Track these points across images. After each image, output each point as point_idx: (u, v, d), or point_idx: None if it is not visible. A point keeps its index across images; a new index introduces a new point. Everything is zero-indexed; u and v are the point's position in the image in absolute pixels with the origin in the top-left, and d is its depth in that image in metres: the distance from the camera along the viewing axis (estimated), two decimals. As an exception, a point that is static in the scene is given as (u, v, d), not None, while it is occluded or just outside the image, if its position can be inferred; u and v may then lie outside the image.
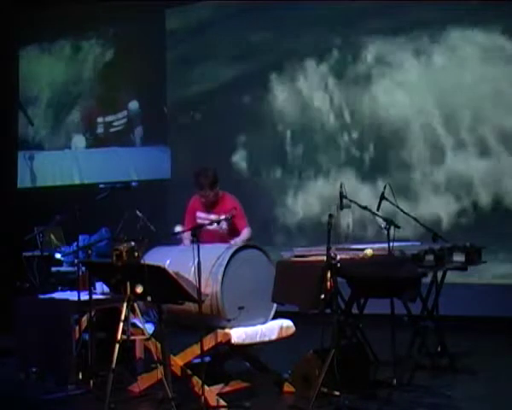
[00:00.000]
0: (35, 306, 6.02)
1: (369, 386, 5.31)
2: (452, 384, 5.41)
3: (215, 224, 5.67)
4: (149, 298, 4.92)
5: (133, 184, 6.67)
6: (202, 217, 5.89)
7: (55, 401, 5.38)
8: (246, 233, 5.77)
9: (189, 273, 5.01)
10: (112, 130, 10.59)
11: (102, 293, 5.89)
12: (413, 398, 5.16)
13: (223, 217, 5.63)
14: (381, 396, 5.15)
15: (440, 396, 5.14)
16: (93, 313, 5.67)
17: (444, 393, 5.17)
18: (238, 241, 5.63)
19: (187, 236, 5.76)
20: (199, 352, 4.94)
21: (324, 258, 5.01)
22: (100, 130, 10.70)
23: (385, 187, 5.67)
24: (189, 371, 5.19)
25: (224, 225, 5.76)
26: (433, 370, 5.83)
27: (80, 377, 5.61)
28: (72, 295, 5.93)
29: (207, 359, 5.41)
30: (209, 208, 5.92)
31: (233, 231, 5.80)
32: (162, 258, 5.31)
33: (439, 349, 5.99)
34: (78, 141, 10.85)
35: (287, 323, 5.46)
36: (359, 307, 5.97)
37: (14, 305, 6.14)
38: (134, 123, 10.39)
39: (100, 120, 10.69)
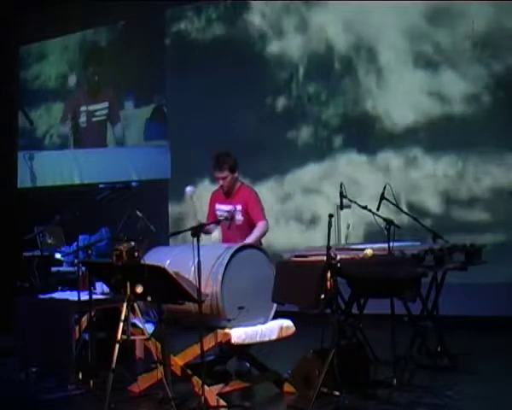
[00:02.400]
0: (35, 306, 6.01)
1: (369, 386, 5.30)
2: (452, 384, 5.39)
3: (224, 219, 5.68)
4: (149, 298, 4.91)
5: (133, 184, 6.65)
6: (221, 209, 5.89)
7: (55, 401, 5.37)
8: (259, 229, 5.73)
9: (189, 273, 5.00)
10: (94, 119, 10.65)
11: (102, 293, 5.89)
12: (413, 398, 5.14)
13: (238, 207, 5.70)
14: (381, 396, 5.15)
15: (440, 396, 5.12)
16: (93, 313, 5.65)
17: (444, 393, 5.16)
18: (249, 239, 5.61)
19: (210, 227, 5.79)
20: (199, 352, 4.92)
21: (324, 258, 4.98)
22: (83, 119, 10.77)
23: (385, 187, 5.65)
24: (189, 371, 5.17)
25: (238, 215, 5.76)
26: (433, 370, 5.81)
27: (80, 377, 5.59)
28: (72, 295, 5.91)
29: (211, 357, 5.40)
30: (226, 197, 5.89)
31: (249, 223, 5.79)
32: (162, 258, 5.29)
33: (439, 349, 5.98)
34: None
35: (287, 323, 5.44)
36: (359, 307, 5.95)
37: (14, 305, 6.13)
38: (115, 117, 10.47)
39: (83, 108, 10.77)
